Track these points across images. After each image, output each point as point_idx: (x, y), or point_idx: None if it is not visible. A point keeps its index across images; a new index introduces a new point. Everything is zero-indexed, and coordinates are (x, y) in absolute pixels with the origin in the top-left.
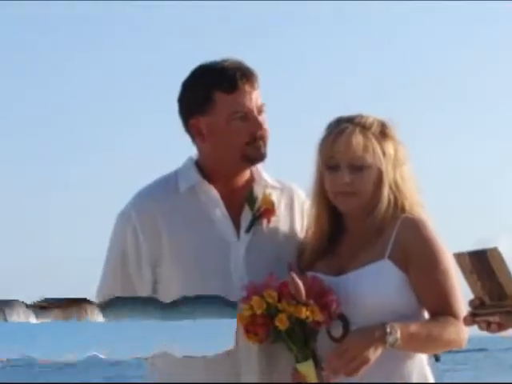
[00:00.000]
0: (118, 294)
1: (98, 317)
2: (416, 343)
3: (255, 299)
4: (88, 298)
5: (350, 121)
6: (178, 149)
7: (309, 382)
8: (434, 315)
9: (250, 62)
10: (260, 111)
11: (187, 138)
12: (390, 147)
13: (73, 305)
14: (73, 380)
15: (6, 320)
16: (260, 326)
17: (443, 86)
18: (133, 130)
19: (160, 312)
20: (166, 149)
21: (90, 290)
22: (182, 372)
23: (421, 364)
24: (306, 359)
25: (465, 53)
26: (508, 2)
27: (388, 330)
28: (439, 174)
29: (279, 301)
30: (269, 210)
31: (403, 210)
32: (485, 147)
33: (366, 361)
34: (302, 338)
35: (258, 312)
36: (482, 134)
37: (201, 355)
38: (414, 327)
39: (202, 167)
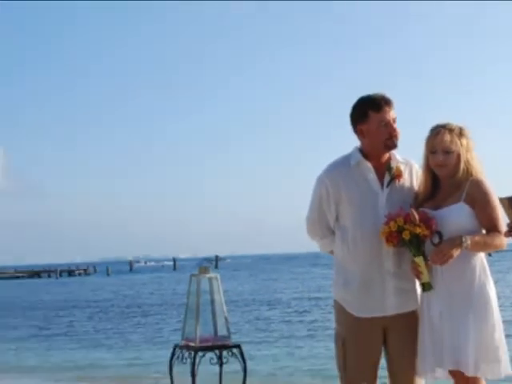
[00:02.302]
0: (316, 220)
1: None
2: (478, 247)
3: (391, 222)
4: None
5: (442, 126)
6: (348, 143)
7: (420, 268)
8: (488, 231)
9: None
10: (394, 121)
11: (354, 137)
12: (464, 141)
13: None
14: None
15: None
16: (394, 238)
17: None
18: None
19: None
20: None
21: None
22: (351, 262)
23: (481, 258)
24: (419, 255)
25: None
26: None
27: (463, 239)
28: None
29: (405, 223)
30: (399, 175)
31: (471, 174)
32: None
33: (451, 256)
34: (417, 244)
35: (393, 229)
36: None
37: (362, 253)
38: (477, 237)
39: (363, 151)
